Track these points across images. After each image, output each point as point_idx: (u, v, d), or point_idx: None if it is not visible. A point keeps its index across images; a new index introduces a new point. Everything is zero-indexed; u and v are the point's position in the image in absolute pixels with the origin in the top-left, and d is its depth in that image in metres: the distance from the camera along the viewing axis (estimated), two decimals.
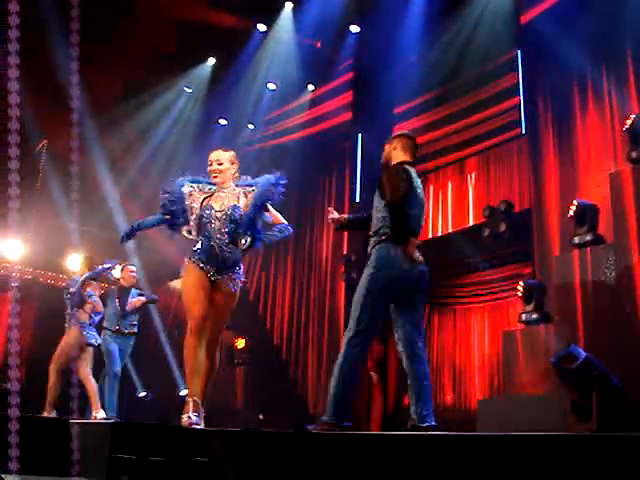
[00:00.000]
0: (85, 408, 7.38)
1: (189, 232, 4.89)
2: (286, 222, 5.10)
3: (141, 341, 12.69)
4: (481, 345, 10.48)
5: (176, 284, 14.29)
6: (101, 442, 4.13)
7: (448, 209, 10.84)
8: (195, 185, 4.97)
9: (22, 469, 2.92)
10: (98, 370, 7.83)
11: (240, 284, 5.06)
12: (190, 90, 13.91)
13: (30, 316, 12.10)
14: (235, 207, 4.80)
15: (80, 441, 3.88)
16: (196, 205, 4.85)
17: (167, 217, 4.94)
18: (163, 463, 3.88)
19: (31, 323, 12.15)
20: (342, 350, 4.21)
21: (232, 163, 5.01)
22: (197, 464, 3.99)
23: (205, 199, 4.88)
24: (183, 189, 4.91)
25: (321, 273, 12.22)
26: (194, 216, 4.83)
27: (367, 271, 4.29)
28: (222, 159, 4.97)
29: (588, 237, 7.05)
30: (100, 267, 7.65)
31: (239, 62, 12.80)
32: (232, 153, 5.09)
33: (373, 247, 4.34)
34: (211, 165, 4.95)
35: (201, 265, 4.79)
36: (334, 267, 11.84)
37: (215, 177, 4.92)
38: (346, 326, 9.79)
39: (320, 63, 12.47)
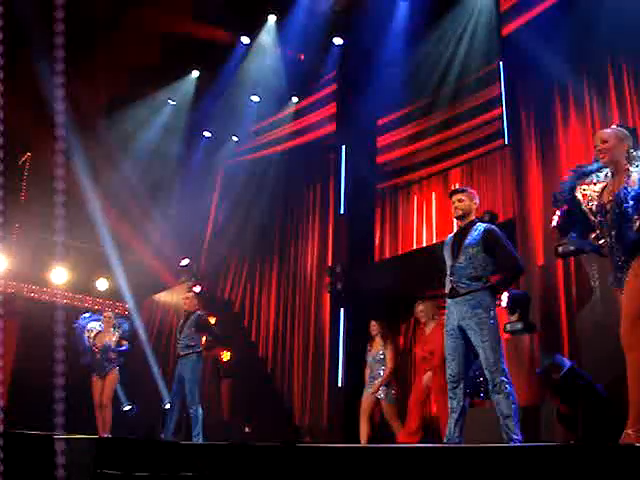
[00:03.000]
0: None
1: (598, 238, 4.29)
2: None
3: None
4: None
5: (160, 297, 14.27)
6: (85, 457, 4.10)
7: (432, 220, 10.87)
8: (586, 177, 4.37)
9: None
10: None
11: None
12: (174, 102, 13.90)
13: (13, 330, 12.01)
14: (624, 189, 4.04)
15: (65, 457, 3.85)
16: (593, 204, 4.24)
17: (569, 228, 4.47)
18: (148, 478, 3.86)
19: (14, 337, 12.06)
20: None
21: (620, 139, 4.22)
22: (183, 479, 3.97)
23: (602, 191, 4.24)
24: (575, 192, 4.38)
25: (306, 284, 12.21)
26: (595, 218, 4.21)
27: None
28: (606, 136, 4.23)
29: (571, 247, 7.08)
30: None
31: (223, 74, 12.79)
32: (618, 129, 4.31)
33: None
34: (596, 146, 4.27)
35: None
36: (319, 278, 11.83)
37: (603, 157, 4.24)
38: (332, 336, 9.80)
39: (304, 75, 12.49)
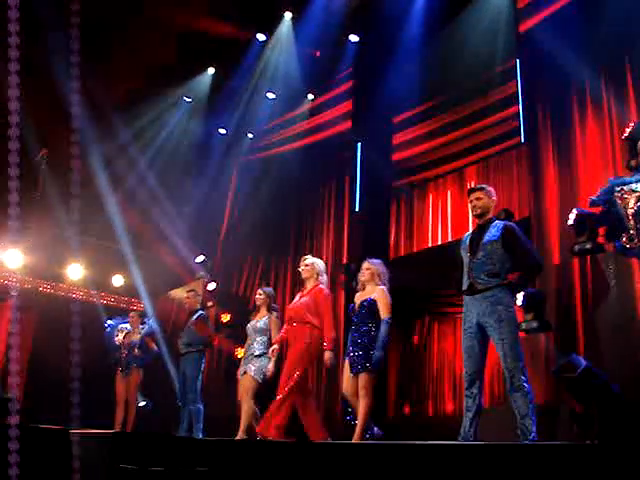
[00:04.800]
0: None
1: (631, 240, 4.64)
2: None
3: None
4: None
5: (176, 293, 14.30)
6: (101, 452, 4.13)
7: (448, 218, 10.85)
8: (625, 186, 4.68)
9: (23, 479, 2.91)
10: None
11: None
12: (190, 100, 13.94)
13: (30, 325, 12.09)
14: None
15: (80, 451, 3.88)
16: (631, 207, 4.54)
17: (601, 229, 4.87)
18: (164, 473, 3.87)
19: (31, 332, 12.14)
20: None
21: None
22: (198, 473, 3.98)
23: None
24: (613, 195, 4.67)
25: None
26: (632, 221, 4.54)
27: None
28: None
29: (588, 245, 7.02)
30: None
31: (239, 72, 12.82)
32: None
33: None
34: None
35: None
36: (334, 275, 11.82)
37: None
38: (346, 334, 9.79)
39: (319, 72, 12.48)
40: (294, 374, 6.54)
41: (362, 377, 6.00)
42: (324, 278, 7.00)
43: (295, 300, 7.07)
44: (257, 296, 7.74)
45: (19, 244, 11.87)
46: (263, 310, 7.62)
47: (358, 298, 6.40)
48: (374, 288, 6.31)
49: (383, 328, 6.07)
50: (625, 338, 6.52)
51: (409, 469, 3.53)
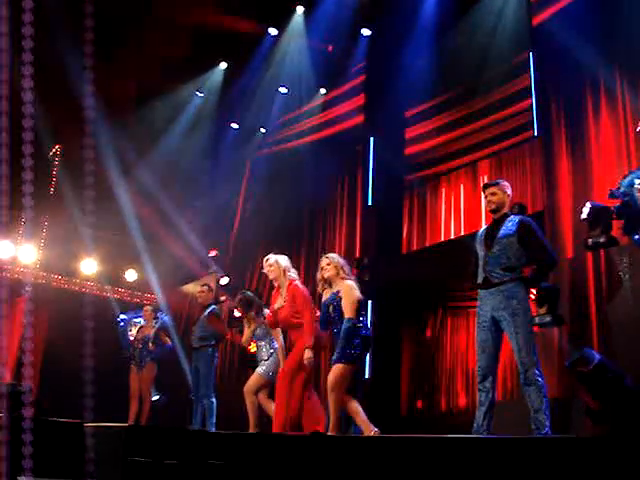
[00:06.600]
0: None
1: None
2: None
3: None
4: None
5: (189, 288, 14.35)
6: (115, 445, 4.15)
7: (460, 212, 10.82)
8: None
9: (37, 472, 2.93)
10: None
11: None
12: (202, 94, 13.95)
13: (43, 320, 12.15)
14: None
15: (94, 444, 3.90)
16: None
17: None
18: (178, 466, 3.89)
19: (44, 327, 12.21)
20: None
21: None
22: (212, 467, 4.00)
23: None
24: (633, 188, 4.79)
25: None
26: None
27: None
28: None
29: (602, 239, 6.98)
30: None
31: (251, 66, 12.82)
32: None
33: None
34: None
35: None
36: None
37: None
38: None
39: (332, 66, 12.47)
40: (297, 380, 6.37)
41: (332, 369, 5.67)
42: (293, 272, 6.59)
43: (274, 302, 6.63)
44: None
45: (33, 239, 11.94)
46: (253, 320, 7.35)
47: (327, 295, 5.98)
48: (340, 283, 5.86)
49: (343, 329, 5.68)
50: (639, 332, 6.48)
51: (422, 462, 3.53)
